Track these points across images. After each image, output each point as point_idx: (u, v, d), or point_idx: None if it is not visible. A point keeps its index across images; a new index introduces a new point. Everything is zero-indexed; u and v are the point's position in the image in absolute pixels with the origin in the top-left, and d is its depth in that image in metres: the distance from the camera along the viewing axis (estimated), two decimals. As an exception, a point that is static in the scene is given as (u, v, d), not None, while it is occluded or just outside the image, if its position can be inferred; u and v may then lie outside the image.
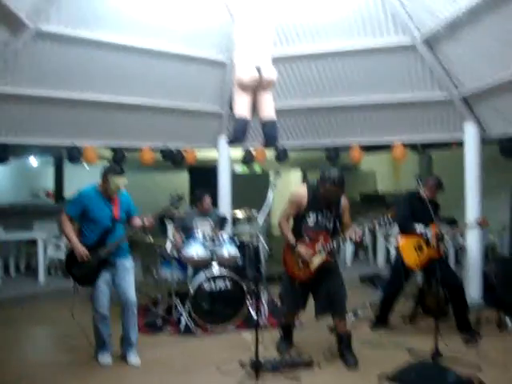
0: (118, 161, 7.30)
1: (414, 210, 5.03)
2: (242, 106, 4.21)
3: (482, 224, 5.22)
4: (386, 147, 7.68)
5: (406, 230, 5.04)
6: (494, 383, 3.74)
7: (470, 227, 5.40)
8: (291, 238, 4.29)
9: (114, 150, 7.43)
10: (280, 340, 4.69)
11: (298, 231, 4.33)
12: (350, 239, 4.25)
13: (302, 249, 4.22)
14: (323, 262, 4.26)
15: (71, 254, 4.23)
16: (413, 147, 10.26)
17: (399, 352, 4.49)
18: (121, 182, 4.23)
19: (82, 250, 4.14)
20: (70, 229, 4.21)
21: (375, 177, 13.40)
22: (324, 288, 4.29)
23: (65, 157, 7.29)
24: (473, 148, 6.30)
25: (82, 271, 4.20)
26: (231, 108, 4.47)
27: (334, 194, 4.17)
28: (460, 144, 6.66)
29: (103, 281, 4.22)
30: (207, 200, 6.02)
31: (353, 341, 4.44)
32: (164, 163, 8.24)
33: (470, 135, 6.31)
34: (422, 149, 10.26)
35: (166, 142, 7.55)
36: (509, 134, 6.05)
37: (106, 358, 4.31)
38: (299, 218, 4.31)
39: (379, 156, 10.63)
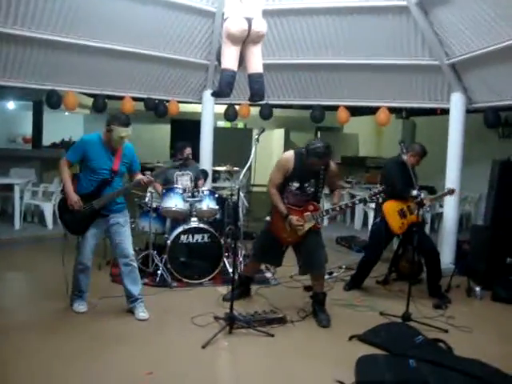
0: (99, 109, 7.16)
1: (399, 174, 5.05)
2: (229, 58, 4.08)
3: (451, 193, 5.26)
4: (370, 110, 7.65)
5: (403, 196, 4.96)
6: (458, 345, 3.85)
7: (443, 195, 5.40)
8: (282, 207, 4.30)
9: (94, 97, 7.26)
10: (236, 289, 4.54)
11: (281, 195, 4.36)
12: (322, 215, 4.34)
13: (294, 219, 4.26)
14: (311, 228, 4.31)
15: (64, 200, 4.11)
16: (397, 112, 10.30)
17: (371, 314, 4.60)
18: (125, 133, 4.03)
19: (74, 198, 4.02)
20: (67, 175, 4.07)
21: (358, 140, 13.41)
22: (306, 247, 4.36)
23: (44, 102, 7.07)
24: (458, 117, 6.29)
25: (73, 219, 4.10)
26: (218, 60, 4.32)
27: (318, 166, 4.21)
28: (444, 111, 6.66)
29: (92, 234, 4.16)
30: (188, 151, 5.95)
31: (326, 301, 4.52)
32: (146, 114, 8.10)
33: (457, 104, 6.29)
34: (406, 114, 10.29)
35: (150, 92, 7.40)
36: (493, 105, 6.07)
37: (80, 306, 4.32)
38: (284, 183, 4.34)
39: (363, 119, 10.62)
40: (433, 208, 7.61)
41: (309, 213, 4.29)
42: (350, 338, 4.00)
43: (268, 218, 4.54)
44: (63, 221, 4.21)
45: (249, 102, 6.76)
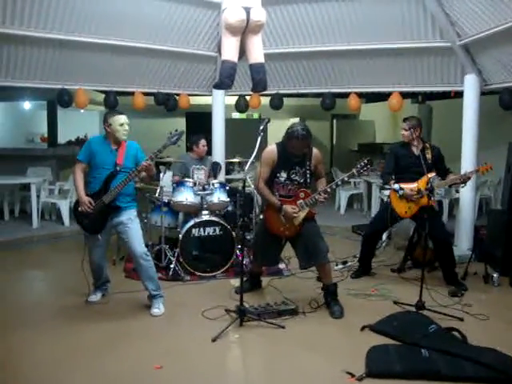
0: (111, 105, 7.18)
1: (400, 158, 5.03)
2: (229, 50, 4.03)
3: (482, 170, 4.84)
4: (385, 96, 7.50)
5: (384, 182, 5.17)
6: (473, 333, 3.77)
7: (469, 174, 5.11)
8: (274, 199, 4.29)
9: (106, 94, 7.29)
10: (244, 282, 4.44)
11: (270, 189, 4.35)
12: (316, 199, 4.22)
13: (289, 208, 4.22)
14: (307, 215, 4.26)
15: (78, 203, 4.22)
16: (413, 97, 10.11)
17: (385, 303, 4.53)
18: (123, 119, 4.14)
19: (84, 199, 4.11)
20: (79, 177, 4.21)
21: (374, 126, 13.23)
22: (303, 241, 4.31)
23: (56, 100, 7.14)
24: (472, 100, 6.12)
25: (88, 220, 4.17)
26: (219, 51, 4.28)
27: (299, 148, 4.18)
28: (459, 94, 6.50)
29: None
30: (203, 143, 5.97)
31: (340, 291, 4.47)
32: (159, 108, 8.10)
33: (471, 86, 6.13)
34: (422, 99, 10.09)
35: (159, 87, 7.40)
36: (510, 86, 5.89)
37: (91, 297, 4.51)
38: (271, 177, 4.34)
39: (378, 105, 10.45)
40: (448, 193, 7.45)
41: (301, 200, 4.24)
42: (362, 328, 3.95)
43: (262, 217, 4.52)
44: (80, 223, 4.27)
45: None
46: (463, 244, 6.02)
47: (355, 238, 7.18)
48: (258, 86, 4.27)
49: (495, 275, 5.06)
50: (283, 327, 3.95)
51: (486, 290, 5.00)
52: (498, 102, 6.16)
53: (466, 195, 6.18)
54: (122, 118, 4.15)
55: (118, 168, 4.13)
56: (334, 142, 13.16)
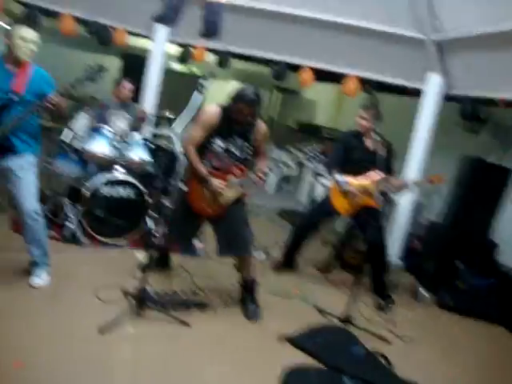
0: (31, 23, 6.07)
1: (351, 149, 4.48)
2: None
3: (435, 181, 4.45)
4: (334, 78, 6.87)
5: (328, 172, 4.57)
6: (397, 359, 3.39)
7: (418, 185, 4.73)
8: (202, 169, 3.59)
9: (27, 7, 6.15)
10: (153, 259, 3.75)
11: (201, 157, 3.63)
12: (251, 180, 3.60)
13: (216, 182, 3.56)
14: (238, 196, 3.64)
15: None
16: (363, 85, 9.62)
17: (307, 308, 4.06)
18: (28, 33, 3.15)
19: None
20: None
21: (315, 107, 12.72)
22: (226, 226, 3.67)
23: None
24: (431, 102, 5.69)
25: None
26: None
27: (246, 115, 3.51)
28: (415, 93, 6.03)
29: None
30: (125, 85, 5.11)
31: (258, 288, 3.87)
32: (92, 42, 7.02)
33: (433, 87, 5.67)
34: (372, 88, 9.65)
35: (94, 14, 6.35)
36: (474, 96, 5.51)
37: None
38: (205, 143, 3.60)
39: (324, 86, 9.87)
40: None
41: (234, 178, 3.59)
42: (281, 338, 3.41)
43: (183, 187, 3.83)
44: None
45: (206, 46, 5.89)
46: (393, 251, 5.64)
47: (280, 224, 6.67)
48: (209, 31, 3.51)
49: (425, 293, 4.72)
50: (188, 325, 3.33)
51: (413, 307, 4.67)
52: (455, 109, 5.78)
53: (405, 202, 5.80)
54: (29, 33, 3.16)
55: (13, 97, 3.18)
56: (275, 116, 12.52)
